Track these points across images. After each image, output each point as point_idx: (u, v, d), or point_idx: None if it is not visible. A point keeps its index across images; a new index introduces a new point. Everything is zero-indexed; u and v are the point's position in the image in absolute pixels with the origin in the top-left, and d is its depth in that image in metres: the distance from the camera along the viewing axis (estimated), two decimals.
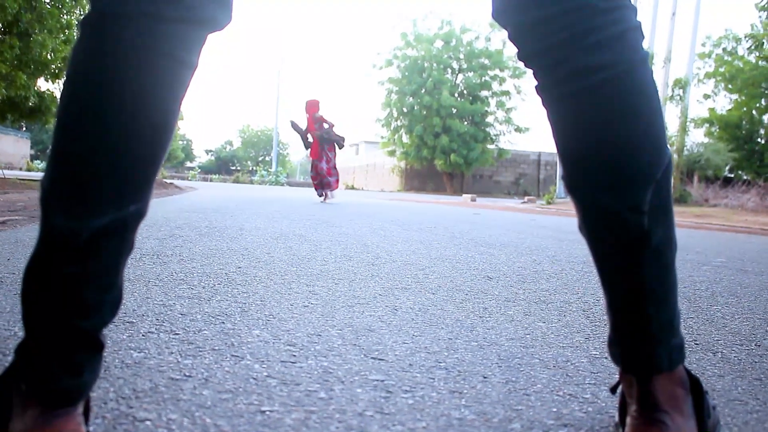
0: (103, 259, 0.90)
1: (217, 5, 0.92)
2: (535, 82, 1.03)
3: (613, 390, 1.16)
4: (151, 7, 0.86)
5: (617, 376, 1.11)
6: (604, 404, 1.35)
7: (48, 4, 12.61)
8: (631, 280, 1.01)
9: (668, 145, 1.01)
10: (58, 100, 0.90)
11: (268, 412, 1.20)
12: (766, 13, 28.08)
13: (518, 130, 41.64)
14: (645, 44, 0.99)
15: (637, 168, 0.96)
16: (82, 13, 13.66)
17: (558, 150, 1.04)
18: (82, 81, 0.88)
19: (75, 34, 13.31)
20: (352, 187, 46.34)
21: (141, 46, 0.86)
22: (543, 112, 1.05)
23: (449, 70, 42.12)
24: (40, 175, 23.46)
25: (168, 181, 20.74)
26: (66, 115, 0.88)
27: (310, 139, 13.19)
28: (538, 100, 1.05)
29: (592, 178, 0.99)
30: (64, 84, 0.90)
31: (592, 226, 1.03)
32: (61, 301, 0.88)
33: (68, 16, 13.30)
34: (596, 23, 0.94)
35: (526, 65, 1.02)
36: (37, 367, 0.89)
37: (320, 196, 13.12)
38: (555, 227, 8.03)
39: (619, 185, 0.97)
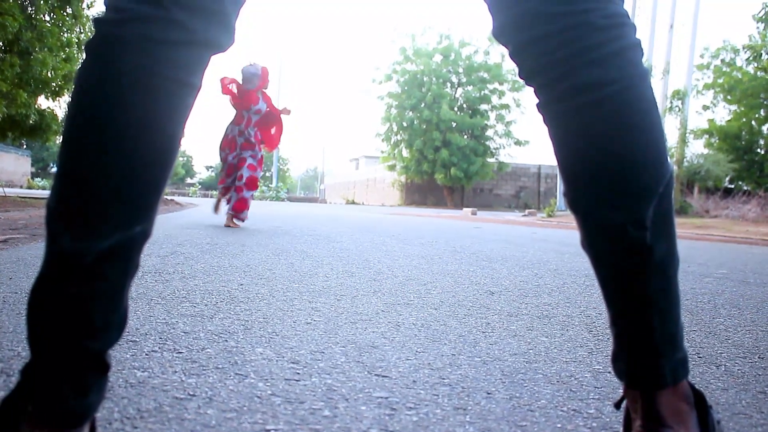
0: (109, 280, 0.90)
1: (219, 27, 0.93)
2: (536, 100, 1.04)
3: (617, 405, 1.15)
4: (154, 30, 0.87)
5: (621, 390, 1.11)
6: (608, 419, 1.35)
7: (48, 22, 12.69)
8: (634, 295, 1.01)
9: (669, 159, 1.02)
10: (63, 123, 0.91)
11: (273, 431, 1.20)
12: (763, 24, 28.21)
13: (518, 143, 41.73)
14: (644, 56, 1.00)
15: (639, 183, 0.96)
16: (82, 31, 13.74)
17: (559, 166, 1.04)
18: (86, 105, 0.88)
19: (75, 52, 13.38)
20: (353, 202, 46.34)
21: (144, 69, 0.87)
22: (544, 128, 1.05)
23: (448, 84, 42.27)
24: (41, 192, 23.50)
25: (169, 197, 20.77)
26: (71, 138, 0.88)
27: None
28: (539, 116, 1.05)
29: (594, 194, 0.99)
30: (69, 107, 0.90)
31: (595, 242, 1.03)
32: (67, 322, 0.89)
33: (68, 34, 13.38)
34: (595, 40, 0.94)
35: (527, 83, 1.03)
36: (44, 388, 0.89)
37: (217, 210, 8.25)
38: (556, 240, 8.03)
39: (622, 201, 0.97)
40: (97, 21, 0.91)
